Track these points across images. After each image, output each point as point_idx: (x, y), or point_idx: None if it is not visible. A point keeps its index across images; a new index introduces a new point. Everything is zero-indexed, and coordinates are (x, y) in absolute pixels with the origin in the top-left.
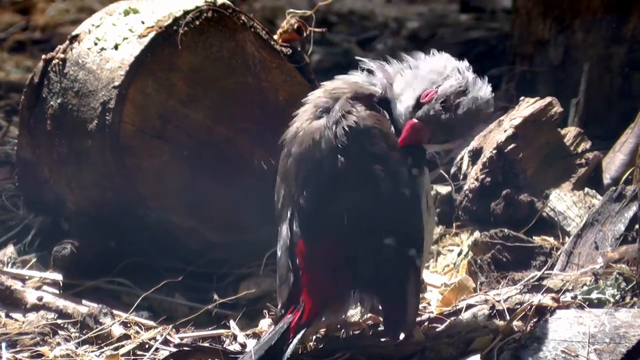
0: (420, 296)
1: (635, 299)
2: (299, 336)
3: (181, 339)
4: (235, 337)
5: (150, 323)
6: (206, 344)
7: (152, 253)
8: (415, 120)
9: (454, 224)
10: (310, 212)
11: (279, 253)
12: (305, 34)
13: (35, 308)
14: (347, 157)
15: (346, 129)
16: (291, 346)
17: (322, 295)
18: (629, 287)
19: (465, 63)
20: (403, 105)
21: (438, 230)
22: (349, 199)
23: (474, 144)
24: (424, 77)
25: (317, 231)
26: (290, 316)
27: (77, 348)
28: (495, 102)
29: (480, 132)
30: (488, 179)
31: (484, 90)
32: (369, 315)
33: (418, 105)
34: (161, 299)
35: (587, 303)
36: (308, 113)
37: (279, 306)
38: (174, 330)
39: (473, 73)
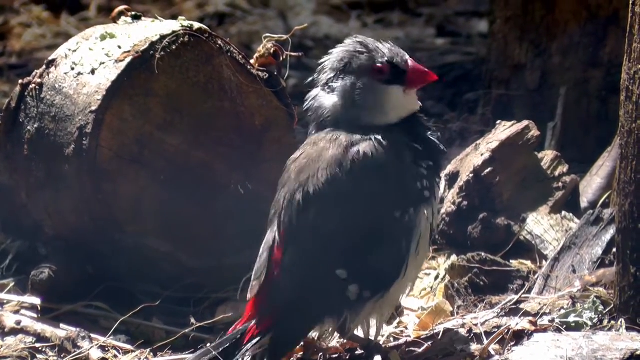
0: (398, 320)
1: (613, 322)
2: (251, 344)
3: None
4: None
5: (128, 347)
6: None
7: (130, 277)
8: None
9: (430, 248)
10: (288, 220)
11: (261, 251)
12: (281, 59)
13: (14, 332)
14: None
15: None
16: (241, 352)
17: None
18: (607, 310)
19: None
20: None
21: None
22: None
23: (450, 167)
24: None
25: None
26: (246, 323)
27: None
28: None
29: None
30: (465, 203)
31: None
32: (345, 340)
33: None
34: (139, 323)
35: (564, 326)
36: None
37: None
38: (151, 354)
39: None
